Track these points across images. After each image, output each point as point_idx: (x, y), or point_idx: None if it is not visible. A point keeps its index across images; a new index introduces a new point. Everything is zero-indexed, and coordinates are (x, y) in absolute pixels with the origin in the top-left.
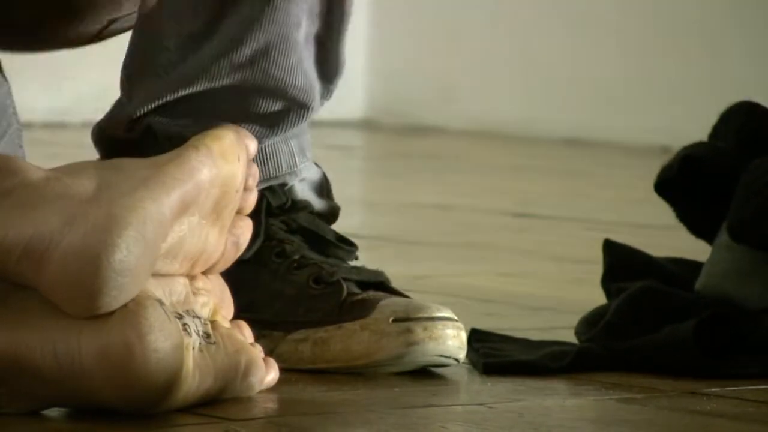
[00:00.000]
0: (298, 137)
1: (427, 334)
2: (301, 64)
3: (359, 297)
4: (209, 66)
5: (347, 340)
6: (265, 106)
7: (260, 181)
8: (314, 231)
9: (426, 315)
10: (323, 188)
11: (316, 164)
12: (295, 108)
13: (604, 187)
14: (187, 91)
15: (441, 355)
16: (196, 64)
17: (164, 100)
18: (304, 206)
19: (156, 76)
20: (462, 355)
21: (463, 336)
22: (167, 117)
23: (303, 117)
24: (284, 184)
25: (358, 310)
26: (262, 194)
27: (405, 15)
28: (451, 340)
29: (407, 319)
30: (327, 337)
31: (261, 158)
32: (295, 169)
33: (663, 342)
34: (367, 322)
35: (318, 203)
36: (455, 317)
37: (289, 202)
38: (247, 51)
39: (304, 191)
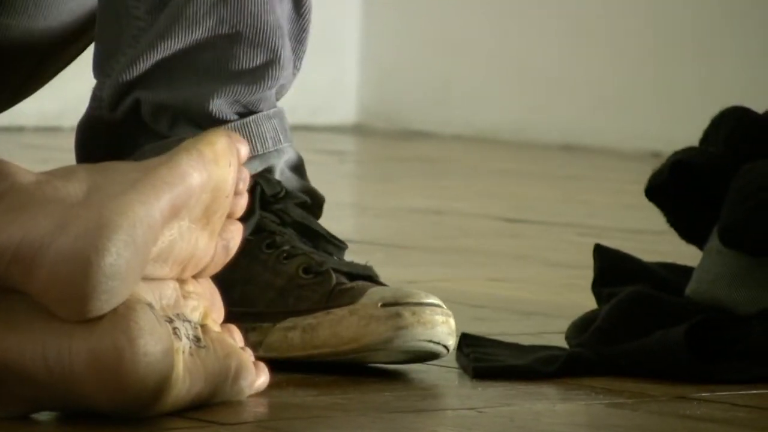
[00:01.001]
0: (279, 117)
1: (416, 319)
2: (272, 2)
3: (347, 286)
4: (182, 13)
5: (336, 325)
6: (245, 60)
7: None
8: (307, 225)
9: (415, 300)
10: (303, 171)
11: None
12: (272, 61)
13: (595, 192)
14: (164, 51)
15: (430, 341)
16: (168, 18)
17: (144, 65)
18: (297, 197)
19: (130, 48)
20: (451, 342)
21: (452, 323)
22: (149, 88)
23: (278, 71)
24: (271, 170)
25: (347, 297)
26: (256, 182)
27: (397, 20)
28: (440, 326)
29: (396, 304)
30: (316, 324)
31: (246, 135)
32: (280, 146)
33: (653, 347)
34: (355, 308)
35: (301, 185)
36: (443, 305)
37: (283, 192)
38: None
39: (290, 176)
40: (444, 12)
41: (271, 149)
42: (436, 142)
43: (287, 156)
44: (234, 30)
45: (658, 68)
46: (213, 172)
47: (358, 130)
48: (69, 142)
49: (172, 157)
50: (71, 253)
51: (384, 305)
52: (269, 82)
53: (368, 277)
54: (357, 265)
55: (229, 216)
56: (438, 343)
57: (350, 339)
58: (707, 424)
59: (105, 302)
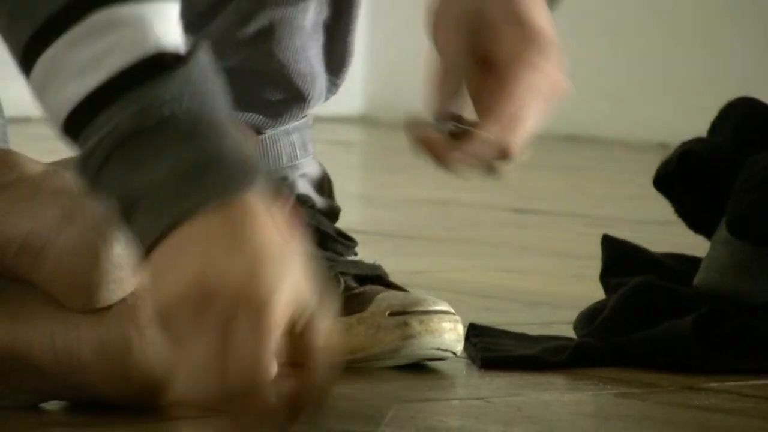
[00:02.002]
0: (300, 131)
1: (424, 327)
2: (305, 50)
3: (356, 291)
4: (214, 42)
5: (344, 334)
6: (268, 95)
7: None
8: (315, 225)
9: (422, 308)
10: (324, 186)
11: (318, 163)
12: (297, 100)
13: (603, 183)
14: None
15: (438, 348)
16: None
17: None
18: (306, 200)
19: None
20: (459, 348)
21: (460, 329)
22: None
23: (303, 109)
24: (285, 178)
25: (355, 304)
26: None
27: (404, 10)
28: (447, 333)
29: (403, 313)
30: None
31: (261, 150)
32: (296, 162)
33: (662, 337)
34: (363, 316)
35: (319, 201)
36: (452, 310)
37: (292, 195)
38: (251, 29)
39: (305, 187)
40: None
41: (285, 165)
42: None
43: (304, 170)
44: (261, 69)
45: (665, 59)
46: None
47: (365, 120)
48: None
49: None
50: (79, 244)
51: (392, 314)
52: (289, 119)
53: (377, 277)
54: (365, 266)
55: None
56: (446, 350)
57: (358, 348)
58: (715, 414)
59: (113, 292)
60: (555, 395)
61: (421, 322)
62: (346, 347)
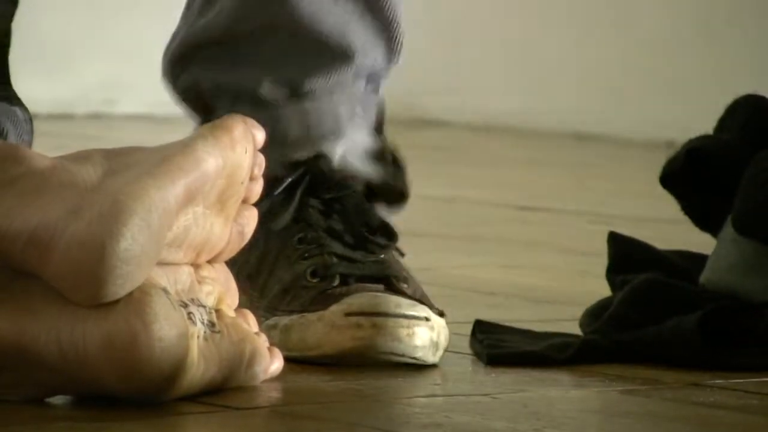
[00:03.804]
0: (350, 99)
1: (376, 331)
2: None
3: (338, 291)
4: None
5: (304, 330)
6: (302, 55)
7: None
8: (350, 218)
9: (381, 311)
10: (378, 157)
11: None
12: (336, 59)
13: (609, 181)
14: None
15: (391, 353)
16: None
17: (201, 38)
18: (350, 186)
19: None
20: (422, 354)
21: (425, 335)
22: (208, 65)
23: (345, 70)
24: (321, 155)
25: (326, 302)
26: (306, 171)
27: (411, 7)
28: (405, 339)
29: (360, 314)
30: (290, 326)
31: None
32: (341, 131)
33: (667, 334)
34: (324, 314)
35: (372, 173)
36: (423, 315)
37: (335, 178)
38: None
39: (353, 162)
40: (458, 0)
41: (325, 134)
42: (449, 131)
43: (352, 138)
44: (290, 26)
45: (672, 56)
46: (228, 158)
47: None
48: (82, 129)
49: (188, 142)
50: (86, 238)
51: (348, 314)
52: (327, 82)
53: (384, 278)
54: (375, 266)
55: (244, 201)
56: (402, 356)
57: (314, 346)
58: (720, 411)
59: (119, 287)
60: (560, 392)
61: (374, 325)
62: (303, 344)
